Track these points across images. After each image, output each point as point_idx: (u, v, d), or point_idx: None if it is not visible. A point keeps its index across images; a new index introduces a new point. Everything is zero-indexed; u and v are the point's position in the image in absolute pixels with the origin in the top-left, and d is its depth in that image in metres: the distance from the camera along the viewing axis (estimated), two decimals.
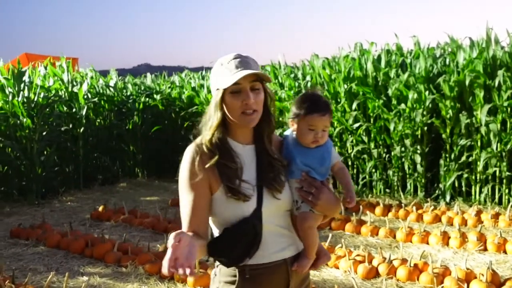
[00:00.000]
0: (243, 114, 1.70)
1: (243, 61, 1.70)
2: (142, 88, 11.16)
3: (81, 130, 8.97)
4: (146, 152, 10.23)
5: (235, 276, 1.75)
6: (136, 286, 4.30)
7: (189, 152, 1.77)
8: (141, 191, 8.92)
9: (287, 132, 1.92)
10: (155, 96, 10.54)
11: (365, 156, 7.79)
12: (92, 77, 10.48)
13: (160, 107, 10.39)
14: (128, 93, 10.65)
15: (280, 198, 1.77)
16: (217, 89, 1.72)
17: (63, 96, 8.98)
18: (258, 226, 1.71)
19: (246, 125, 1.73)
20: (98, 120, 9.86)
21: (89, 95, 9.51)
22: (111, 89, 10.22)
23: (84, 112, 8.95)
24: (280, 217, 1.80)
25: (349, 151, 7.91)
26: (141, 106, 10.12)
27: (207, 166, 1.71)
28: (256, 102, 1.70)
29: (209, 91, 9.80)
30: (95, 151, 9.57)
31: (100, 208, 7.04)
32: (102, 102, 9.88)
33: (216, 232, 1.80)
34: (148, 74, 12.60)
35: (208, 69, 11.69)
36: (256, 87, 1.71)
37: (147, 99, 10.45)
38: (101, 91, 10.10)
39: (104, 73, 11.49)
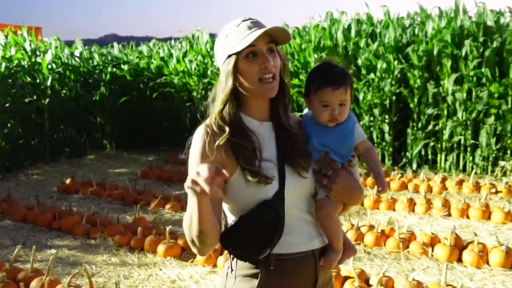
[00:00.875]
0: (260, 81, 1.48)
1: (255, 22, 1.50)
2: (109, 58, 10.88)
3: (46, 101, 8.72)
4: (114, 124, 10.05)
5: (256, 268, 1.50)
6: (105, 258, 4.27)
7: (198, 134, 1.52)
8: (110, 163, 8.80)
9: (306, 111, 1.69)
10: (122, 66, 10.30)
11: None
12: (56, 47, 10.15)
13: (128, 78, 10.17)
14: (95, 64, 10.37)
15: (307, 177, 1.54)
16: (229, 55, 1.48)
17: (26, 66, 8.68)
18: (280, 209, 1.47)
19: (266, 94, 1.50)
20: (64, 91, 9.59)
21: (54, 66, 9.22)
22: (77, 59, 9.94)
23: (49, 82, 8.69)
24: (305, 201, 1.57)
25: None
26: (108, 76, 9.88)
27: (217, 145, 1.48)
28: (275, 66, 1.48)
29: (178, 61, 9.65)
30: (61, 123, 9.34)
31: (68, 181, 6.93)
32: (68, 73, 9.60)
33: (231, 221, 1.55)
34: (115, 44, 12.28)
35: (177, 39, 11.48)
36: (272, 48, 1.49)
37: (114, 69, 10.20)
38: (66, 61, 9.81)
39: (70, 44, 11.14)
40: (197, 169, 1.23)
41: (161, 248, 4.21)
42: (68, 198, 6.42)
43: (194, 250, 1.45)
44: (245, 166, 1.45)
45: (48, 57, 8.89)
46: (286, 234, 1.48)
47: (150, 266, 4.06)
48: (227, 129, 1.49)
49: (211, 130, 1.51)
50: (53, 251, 4.45)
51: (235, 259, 1.54)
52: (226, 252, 4.11)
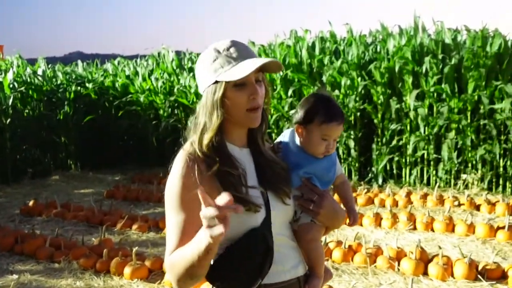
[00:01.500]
0: (247, 111, 1.44)
1: (244, 48, 1.46)
2: (73, 76, 10.71)
3: (8, 121, 8.51)
4: (79, 143, 9.86)
5: None
6: (70, 282, 4.16)
7: (180, 162, 1.43)
8: (75, 183, 8.61)
9: (282, 138, 1.68)
10: (87, 84, 10.16)
11: None
12: (18, 66, 9.95)
13: (93, 96, 10.03)
14: (58, 82, 10.19)
15: (289, 204, 1.53)
16: (216, 82, 1.42)
17: None
18: (269, 237, 1.43)
19: (250, 123, 1.47)
20: (27, 111, 9.38)
21: (16, 84, 9.02)
22: (40, 77, 9.75)
23: (10, 102, 8.50)
24: (288, 228, 1.56)
25: None
26: (72, 95, 9.72)
27: (204, 174, 1.41)
28: (261, 96, 1.45)
29: (144, 79, 9.59)
30: (24, 143, 9.11)
31: (31, 203, 6.73)
32: (30, 92, 9.40)
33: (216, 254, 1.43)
34: (79, 62, 12.12)
35: (143, 56, 11.42)
36: (260, 78, 1.45)
37: (79, 88, 10.05)
38: (28, 80, 9.61)
39: (33, 62, 10.94)
40: (214, 204, 1.15)
41: (127, 270, 4.13)
42: (31, 220, 6.23)
43: (177, 285, 1.37)
44: (235, 194, 1.31)
45: (10, 76, 8.71)
46: (274, 263, 1.43)
47: None
48: (216, 158, 1.42)
49: (195, 158, 1.43)
50: (15, 276, 4.30)
51: None
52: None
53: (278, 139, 1.68)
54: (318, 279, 1.57)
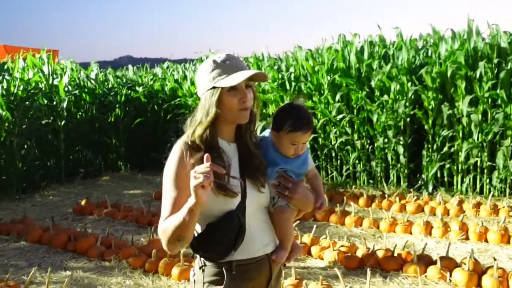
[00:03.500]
0: (240, 110, 1.76)
1: (237, 61, 1.79)
2: (124, 80, 11.01)
3: (62, 123, 8.84)
4: (129, 145, 10.13)
5: (220, 274, 1.77)
6: (120, 280, 4.26)
7: (176, 149, 1.78)
8: (124, 184, 8.84)
9: (265, 133, 1.97)
10: (137, 88, 10.42)
11: (349, 147, 7.82)
12: (72, 70, 10.32)
13: (143, 100, 10.28)
14: (110, 86, 10.51)
15: (264, 192, 1.84)
16: (213, 87, 1.75)
17: (43, 88, 8.83)
18: (242, 218, 1.75)
19: (241, 120, 1.79)
20: (80, 113, 9.71)
21: (70, 88, 9.36)
22: (92, 81, 10.08)
23: (65, 104, 8.82)
24: (261, 212, 1.88)
25: (333, 143, 7.94)
26: (123, 98, 10.00)
27: (193, 161, 1.71)
28: (250, 99, 1.78)
29: (192, 83, 9.74)
30: (76, 145, 9.43)
31: (83, 202, 6.96)
32: (83, 95, 9.73)
33: (198, 229, 1.81)
34: (130, 66, 12.45)
35: (191, 61, 11.60)
36: (249, 84, 1.78)
37: (129, 91, 10.32)
38: (82, 83, 9.95)
39: (85, 66, 11.31)
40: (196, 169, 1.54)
41: (175, 270, 4.19)
42: (83, 219, 6.44)
43: (164, 244, 1.71)
44: (216, 181, 1.65)
45: (65, 79, 9.04)
46: (246, 241, 1.77)
47: None
48: (202, 147, 1.73)
49: (189, 147, 1.76)
50: (68, 272, 4.46)
51: (202, 267, 1.80)
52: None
53: (262, 134, 1.98)
54: (284, 250, 1.89)
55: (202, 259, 1.81)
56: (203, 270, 1.80)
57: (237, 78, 1.71)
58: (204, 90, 1.78)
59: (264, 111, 8.41)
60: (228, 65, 1.75)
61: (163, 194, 1.78)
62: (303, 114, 1.87)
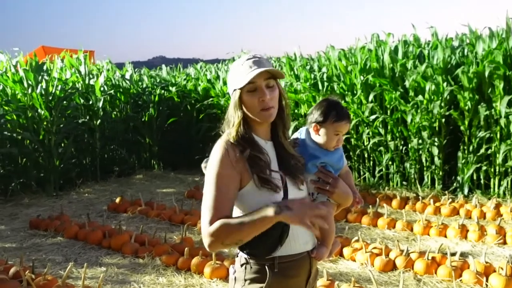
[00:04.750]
0: (261, 111, 1.77)
1: (257, 61, 1.78)
2: (158, 80, 11.18)
3: (98, 122, 9.04)
4: (162, 144, 10.28)
5: (262, 272, 1.78)
6: (153, 277, 4.33)
7: (219, 147, 1.78)
8: (157, 183, 8.97)
9: (297, 135, 2.04)
10: (170, 88, 10.56)
11: (382, 148, 7.72)
12: (108, 70, 10.54)
13: (176, 99, 10.41)
14: (144, 86, 10.68)
15: (303, 189, 1.86)
16: (234, 89, 1.79)
17: (80, 88, 9.05)
18: None
19: (265, 120, 1.79)
20: (115, 113, 9.91)
21: (106, 88, 9.56)
22: (127, 81, 10.26)
23: (100, 104, 9.02)
24: None
25: (366, 143, 7.85)
26: (156, 98, 10.16)
27: (238, 157, 1.74)
28: (271, 99, 1.77)
29: (224, 83, 9.80)
30: (111, 143, 9.64)
31: (117, 200, 7.10)
32: (118, 94, 9.92)
33: None
34: (163, 66, 12.62)
35: (224, 61, 11.67)
36: (270, 84, 1.78)
37: (163, 91, 10.47)
38: (117, 83, 10.15)
39: (119, 66, 11.54)
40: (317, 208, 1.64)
41: (207, 269, 4.23)
42: (117, 216, 6.57)
43: (213, 245, 1.69)
44: (260, 175, 1.73)
45: (101, 79, 9.24)
46: (288, 238, 1.77)
47: (196, 287, 4.09)
48: (246, 145, 1.76)
49: (230, 145, 1.77)
50: (103, 268, 4.56)
51: (244, 265, 1.80)
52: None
53: (294, 135, 2.04)
54: (326, 248, 1.91)
55: (245, 256, 1.81)
56: (245, 268, 1.80)
57: (247, 78, 1.73)
58: (230, 91, 1.83)
59: (296, 111, 8.39)
60: (246, 65, 1.77)
61: (205, 193, 1.77)
62: (342, 106, 2.00)
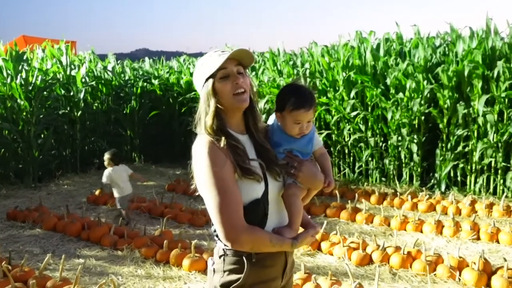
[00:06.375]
0: (234, 95, 1.76)
1: (224, 52, 1.78)
2: (140, 72, 11.11)
3: (79, 113, 8.96)
4: (143, 137, 10.24)
5: (240, 263, 1.79)
6: (132, 269, 4.33)
7: (204, 144, 1.73)
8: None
9: (270, 121, 1.97)
10: (153, 81, 10.50)
11: (362, 144, 7.81)
12: (90, 61, 10.43)
13: (158, 92, 10.35)
14: (126, 78, 10.61)
15: (280, 181, 1.86)
16: (206, 79, 1.77)
17: (61, 79, 8.95)
18: (266, 206, 1.79)
19: (239, 105, 1.77)
20: (96, 104, 9.83)
21: (87, 79, 9.46)
22: (109, 73, 10.18)
23: (82, 95, 8.93)
24: (279, 201, 1.88)
25: (346, 140, 7.93)
26: (139, 90, 10.10)
27: (222, 148, 1.71)
28: (245, 83, 1.78)
29: None
30: (92, 135, 9.56)
31: (97, 192, 7.06)
32: (100, 86, 9.84)
33: None
34: (147, 59, 12.54)
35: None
36: (241, 70, 1.79)
37: (145, 84, 10.41)
38: (99, 74, 10.06)
39: (102, 57, 11.42)
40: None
41: (186, 261, 4.25)
42: (97, 209, 6.54)
43: (242, 247, 1.72)
44: (241, 165, 1.72)
45: (83, 70, 9.14)
46: (266, 229, 1.78)
47: (174, 280, 4.10)
48: (222, 134, 1.74)
49: (211, 139, 1.74)
50: (81, 260, 4.54)
51: (222, 257, 1.81)
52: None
53: (268, 122, 1.98)
54: (289, 228, 1.84)
55: (223, 247, 1.81)
56: (224, 259, 1.81)
57: (218, 63, 1.73)
58: (200, 85, 1.80)
59: None
60: (214, 55, 1.77)
61: (208, 197, 1.73)
62: (303, 92, 1.85)
